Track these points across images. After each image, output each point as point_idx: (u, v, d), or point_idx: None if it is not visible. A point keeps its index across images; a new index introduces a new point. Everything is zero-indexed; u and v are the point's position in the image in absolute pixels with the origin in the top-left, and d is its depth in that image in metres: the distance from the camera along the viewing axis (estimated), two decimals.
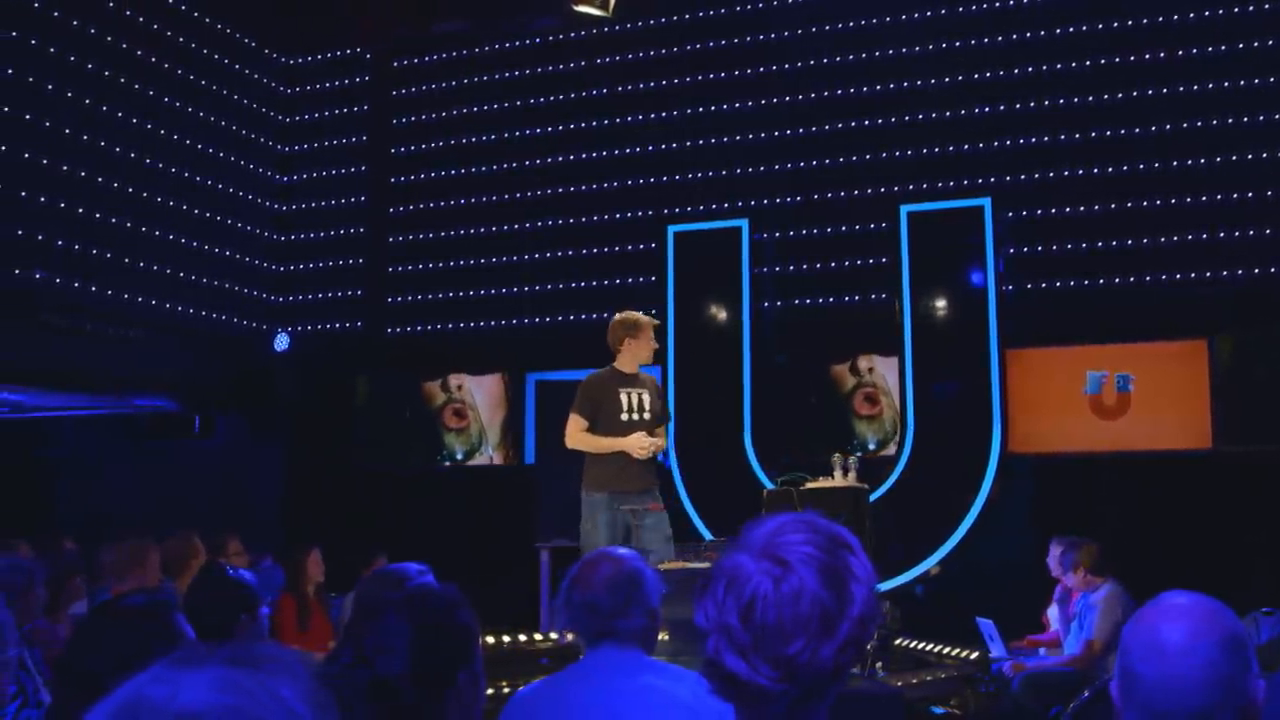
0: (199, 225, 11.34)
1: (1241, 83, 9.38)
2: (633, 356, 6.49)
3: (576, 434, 6.42)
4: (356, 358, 11.78)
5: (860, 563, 1.55)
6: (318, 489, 11.59)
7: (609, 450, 6.32)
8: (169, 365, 10.96)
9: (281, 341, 11.59)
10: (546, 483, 9.91)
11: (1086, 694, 4.17)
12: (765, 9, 10.90)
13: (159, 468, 12.09)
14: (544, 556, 9.95)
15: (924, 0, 10.36)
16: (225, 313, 11.64)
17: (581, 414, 6.42)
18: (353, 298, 12.17)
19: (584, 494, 6.41)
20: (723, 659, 1.51)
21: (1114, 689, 1.78)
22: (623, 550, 2.99)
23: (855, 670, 5.86)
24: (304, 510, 11.55)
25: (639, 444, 6.28)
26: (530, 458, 10.89)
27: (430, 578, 3.02)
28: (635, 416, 6.39)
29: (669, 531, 6.42)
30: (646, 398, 6.46)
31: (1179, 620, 1.75)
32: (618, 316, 6.62)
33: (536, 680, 2.95)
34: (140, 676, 0.91)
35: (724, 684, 1.53)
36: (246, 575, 3.32)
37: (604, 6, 10.04)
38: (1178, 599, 1.80)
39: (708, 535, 9.34)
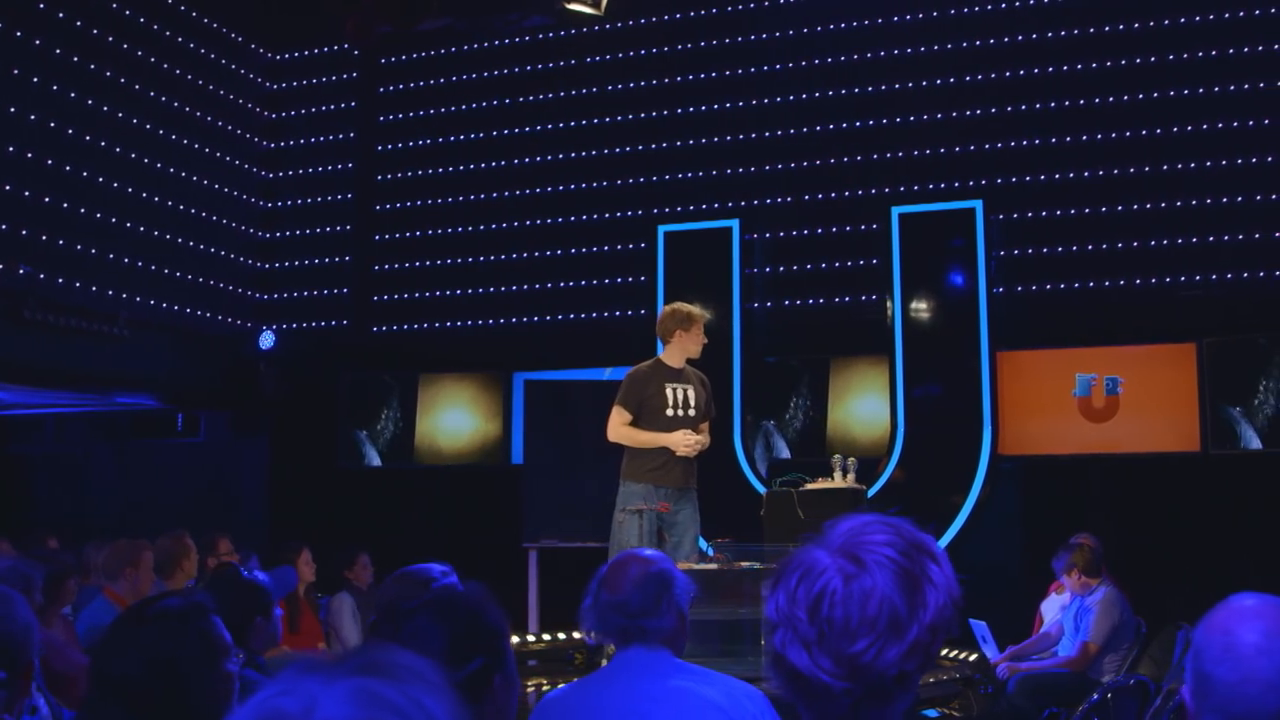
0: (184, 221, 11.23)
1: (1232, 87, 9.42)
2: (681, 350, 6.31)
3: (619, 427, 6.23)
4: (342, 356, 11.69)
5: (941, 571, 1.54)
6: (302, 488, 11.48)
7: (652, 445, 6.14)
8: (152, 363, 10.85)
9: (266, 339, 11.49)
10: (534, 483, 9.86)
11: (1095, 696, 4.16)
12: (757, 9, 10.88)
13: (141, 466, 11.99)
14: (532, 557, 9.90)
15: (916, 2, 10.36)
16: (209, 310, 11.53)
17: (626, 407, 6.22)
18: (338, 296, 12.08)
19: (622, 483, 6.22)
20: (786, 652, 1.51)
21: (1186, 694, 1.76)
22: (650, 551, 2.95)
23: None
24: (288, 509, 11.45)
25: (684, 440, 6.09)
26: (518, 458, 10.83)
27: (454, 578, 2.99)
28: (680, 413, 6.22)
29: (698, 530, 6.28)
30: (692, 394, 6.27)
31: (1253, 621, 1.75)
32: (670, 307, 6.45)
33: (566, 684, 2.91)
34: (270, 686, 0.85)
35: (788, 680, 1.52)
36: (261, 577, 3.26)
37: (596, 5, 10.00)
38: (1246, 600, 1.80)
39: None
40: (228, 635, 2.09)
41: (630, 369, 6.43)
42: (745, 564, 5.45)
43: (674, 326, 6.32)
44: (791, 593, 1.51)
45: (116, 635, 2.06)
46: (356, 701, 0.84)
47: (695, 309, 6.42)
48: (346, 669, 0.86)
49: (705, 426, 6.37)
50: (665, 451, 6.14)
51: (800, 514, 6.13)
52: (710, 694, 2.56)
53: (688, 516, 6.18)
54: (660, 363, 6.35)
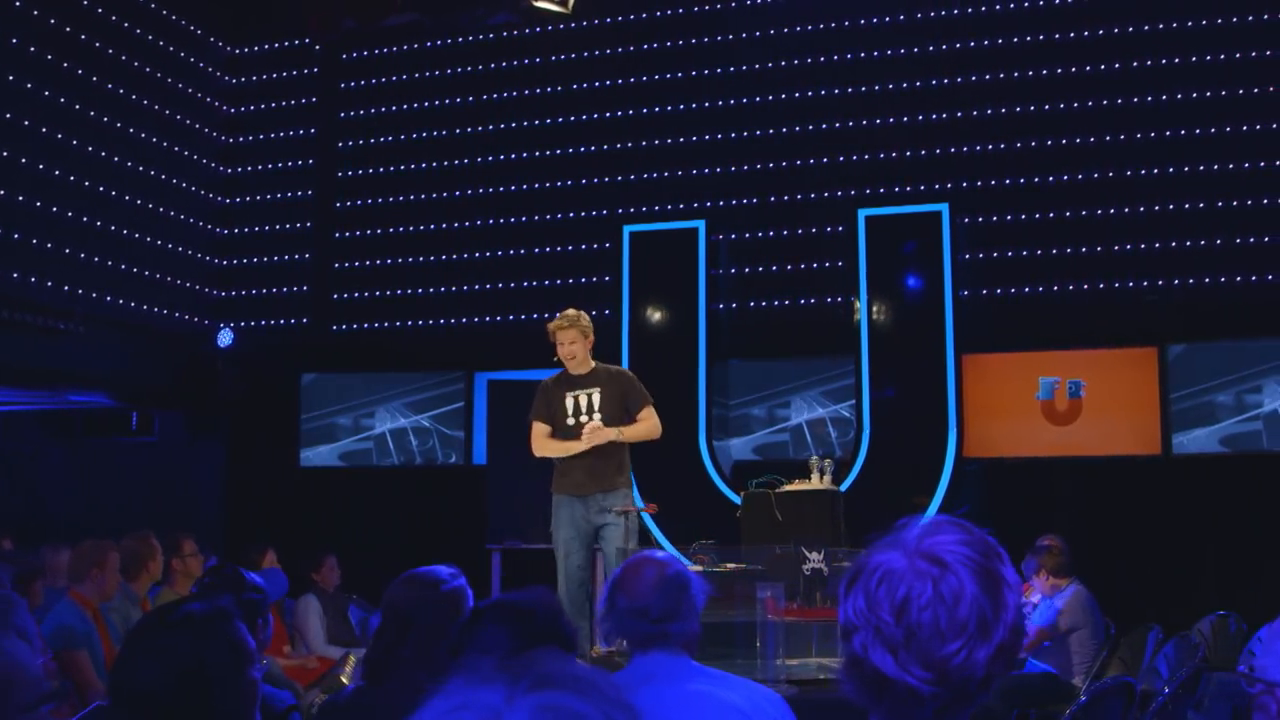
0: (140, 216, 11.02)
1: (1194, 94, 9.53)
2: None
3: (539, 440, 6.34)
4: (301, 355, 11.53)
5: (1011, 572, 1.54)
6: (260, 488, 11.32)
7: (565, 454, 6.23)
8: (107, 360, 10.63)
9: (225, 337, 11.31)
10: (498, 484, 9.77)
11: (1084, 698, 4.17)
12: (724, 10, 10.87)
13: (93, 465, 11.74)
14: (495, 559, 9.82)
15: (883, 5, 10.39)
16: (166, 307, 11.32)
17: (538, 419, 6.34)
18: (298, 294, 11.91)
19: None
20: (869, 655, 1.48)
21: None
22: (661, 553, 2.91)
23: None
24: (246, 510, 11.29)
25: (586, 435, 6.12)
26: (479, 458, 10.74)
27: (463, 580, 2.93)
28: (584, 419, 6.27)
29: (629, 545, 6.11)
30: (597, 396, 6.29)
31: None
32: None
33: None
34: (438, 699, 0.80)
35: (867, 684, 1.49)
36: (256, 578, 3.18)
37: (563, 3, 9.94)
38: None
39: (661, 538, 9.26)
40: (251, 641, 2.01)
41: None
42: (731, 565, 5.42)
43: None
44: (872, 595, 1.47)
45: (138, 644, 1.97)
46: (542, 716, 0.78)
47: (556, 318, 6.36)
48: (525, 684, 0.81)
49: (648, 413, 6.29)
50: (575, 458, 6.18)
51: (778, 515, 6.12)
52: (731, 698, 2.52)
53: (614, 525, 6.09)
54: (564, 372, 6.40)
